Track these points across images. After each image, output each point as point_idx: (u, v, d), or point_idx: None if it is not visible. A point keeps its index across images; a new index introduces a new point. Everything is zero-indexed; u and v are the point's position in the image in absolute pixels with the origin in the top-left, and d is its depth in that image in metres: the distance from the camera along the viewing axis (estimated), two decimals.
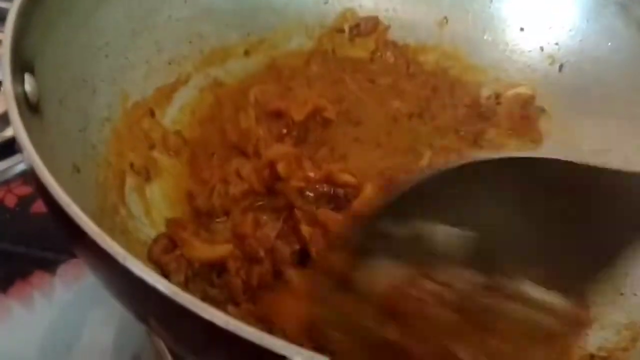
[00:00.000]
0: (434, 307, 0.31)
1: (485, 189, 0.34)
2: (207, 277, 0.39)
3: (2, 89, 0.32)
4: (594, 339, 0.38)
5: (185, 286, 0.39)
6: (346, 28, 0.56)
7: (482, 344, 0.31)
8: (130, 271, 0.25)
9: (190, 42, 0.50)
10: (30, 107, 0.33)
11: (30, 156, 0.28)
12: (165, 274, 0.38)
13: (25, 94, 0.33)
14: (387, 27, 0.56)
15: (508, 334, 0.31)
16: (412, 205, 0.34)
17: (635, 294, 0.41)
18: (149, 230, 0.40)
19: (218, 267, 0.40)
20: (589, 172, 0.33)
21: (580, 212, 0.33)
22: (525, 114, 0.52)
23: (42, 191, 0.28)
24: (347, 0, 0.56)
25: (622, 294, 0.41)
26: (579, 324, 0.34)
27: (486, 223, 0.33)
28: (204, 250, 0.39)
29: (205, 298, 0.38)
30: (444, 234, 0.33)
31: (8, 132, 0.55)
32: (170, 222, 0.41)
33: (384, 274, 0.32)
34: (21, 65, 0.33)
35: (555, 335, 0.33)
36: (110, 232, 0.36)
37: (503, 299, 0.32)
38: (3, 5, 0.64)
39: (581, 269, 0.33)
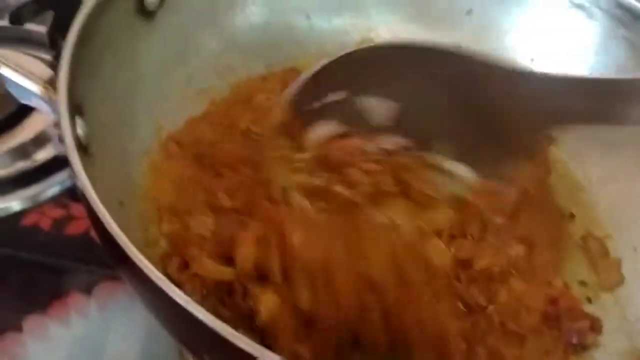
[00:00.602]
0: (362, 159, 0.38)
1: (408, 69, 0.40)
2: (219, 296, 0.40)
3: (59, 135, 0.34)
4: None
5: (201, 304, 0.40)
6: None
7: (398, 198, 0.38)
8: (192, 315, 0.27)
9: (218, 73, 0.53)
10: (82, 150, 0.35)
11: (93, 203, 0.30)
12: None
13: (78, 138, 0.35)
14: None
15: (420, 194, 0.38)
16: (344, 74, 0.40)
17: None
18: None
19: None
20: (497, 69, 0.39)
21: (488, 103, 0.39)
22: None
23: (99, 228, 0.31)
24: (365, 31, 0.59)
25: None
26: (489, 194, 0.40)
27: (407, 97, 0.39)
28: (214, 269, 0.40)
29: (217, 317, 0.40)
30: (370, 101, 0.39)
31: (39, 156, 0.57)
32: (178, 237, 0.41)
33: (321, 132, 0.39)
34: (73, 109, 0.36)
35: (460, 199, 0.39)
36: (156, 264, 0.39)
37: (420, 163, 0.39)
38: (33, 28, 0.65)
39: (491, 151, 0.39)
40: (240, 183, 0.43)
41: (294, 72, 0.56)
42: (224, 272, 0.39)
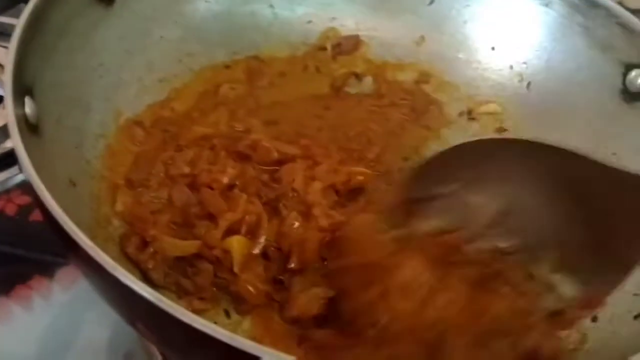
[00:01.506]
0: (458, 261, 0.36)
1: (514, 167, 0.38)
2: (181, 270, 0.41)
3: (4, 111, 0.35)
4: None
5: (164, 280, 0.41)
6: (328, 46, 0.59)
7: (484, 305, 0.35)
8: (118, 280, 0.28)
9: (180, 60, 0.53)
10: (30, 128, 0.36)
11: (30, 175, 0.31)
12: (144, 271, 0.41)
13: (25, 116, 0.36)
14: (367, 45, 0.59)
15: (510, 303, 0.35)
16: (449, 169, 0.39)
17: None
18: None
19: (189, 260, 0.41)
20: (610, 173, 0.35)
21: (599, 210, 0.35)
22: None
23: (41, 207, 0.32)
24: (329, 20, 0.59)
25: None
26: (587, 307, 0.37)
27: (515, 196, 0.37)
28: (174, 246, 0.41)
29: (179, 290, 0.41)
30: (478, 198, 0.37)
31: (8, 144, 0.57)
32: (135, 217, 0.42)
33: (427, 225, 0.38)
34: (22, 89, 0.37)
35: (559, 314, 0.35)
36: (105, 242, 0.40)
37: (519, 271, 0.36)
38: (5, 20, 0.67)
39: (597, 261, 0.35)
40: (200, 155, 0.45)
41: (257, 60, 0.57)
42: (187, 247, 0.40)
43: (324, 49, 0.59)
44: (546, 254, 0.36)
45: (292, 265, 0.41)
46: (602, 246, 0.35)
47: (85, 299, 0.51)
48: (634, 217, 0.34)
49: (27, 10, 0.39)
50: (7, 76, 0.35)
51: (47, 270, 0.52)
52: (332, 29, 0.59)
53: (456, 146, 0.41)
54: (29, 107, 0.37)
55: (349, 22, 0.60)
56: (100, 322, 0.50)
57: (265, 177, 0.45)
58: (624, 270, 0.35)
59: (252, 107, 0.54)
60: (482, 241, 0.37)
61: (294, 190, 0.43)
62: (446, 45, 0.58)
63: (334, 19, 0.59)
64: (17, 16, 0.64)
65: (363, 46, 0.59)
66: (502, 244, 0.37)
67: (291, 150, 0.46)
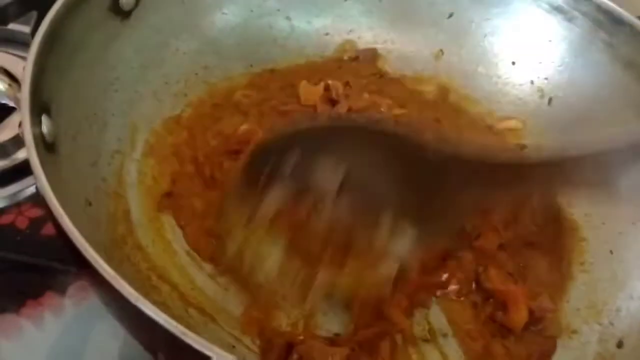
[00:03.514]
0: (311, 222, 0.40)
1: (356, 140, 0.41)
2: None
3: (21, 131, 0.34)
4: None
5: None
6: (346, 59, 0.58)
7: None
8: (142, 311, 0.27)
9: (196, 74, 0.52)
10: (47, 147, 0.35)
11: (49, 199, 0.30)
12: None
13: (42, 135, 0.35)
14: (385, 59, 0.58)
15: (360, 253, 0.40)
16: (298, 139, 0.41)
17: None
18: (155, 260, 0.42)
19: None
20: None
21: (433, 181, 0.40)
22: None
23: (60, 231, 0.31)
24: (346, 32, 0.59)
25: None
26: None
27: (355, 163, 0.40)
28: (323, 354, 0.39)
29: None
30: (322, 163, 0.40)
31: (19, 155, 0.57)
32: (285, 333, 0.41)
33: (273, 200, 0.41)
34: (39, 107, 0.36)
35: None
36: (120, 263, 0.39)
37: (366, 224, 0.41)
38: (16, 28, 0.66)
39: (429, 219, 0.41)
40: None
41: (275, 73, 0.56)
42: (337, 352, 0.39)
43: (340, 61, 0.58)
44: (388, 207, 0.41)
45: None
46: (434, 206, 0.40)
47: (95, 311, 0.50)
48: (462, 190, 0.40)
49: (44, 25, 0.38)
50: (25, 94, 0.35)
51: (59, 285, 0.51)
52: (349, 41, 0.59)
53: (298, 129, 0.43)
54: (45, 126, 0.36)
55: (366, 35, 0.59)
56: (109, 334, 0.49)
57: None
58: (452, 226, 0.43)
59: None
60: (328, 208, 0.40)
61: None
62: (465, 59, 0.57)
63: (351, 31, 0.59)
64: (27, 23, 0.65)
65: (381, 59, 0.58)
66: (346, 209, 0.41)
67: None
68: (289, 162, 0.40)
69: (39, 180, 0.31)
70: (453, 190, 0.40)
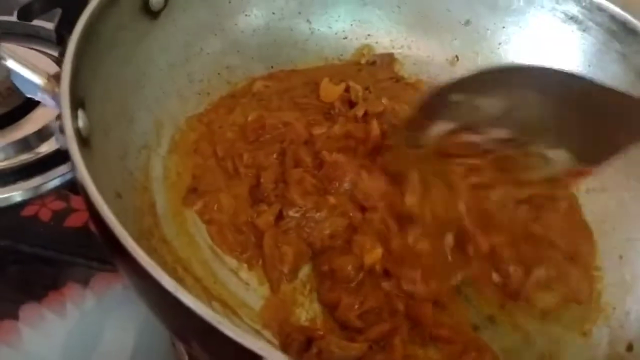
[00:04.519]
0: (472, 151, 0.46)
1: (519, 83, 0.44)
2: None
3: (60, 126, 0.35)
4: None
5: None
6: (363, 62, 0.59)
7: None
8: (179, 300, 0.28)
9: (218, 74, 0.54)
10: (83, 142, 0.37)
11: (90, 192, 0.32)
12: None
13: (79, 130, 0.36)
14: (401, 64, 0.60)
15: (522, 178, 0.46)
16: (467, 85, 0.44)
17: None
18: (180, 253, 0.43)
19: None
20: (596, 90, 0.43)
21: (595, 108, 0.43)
22: None
23: (99, 223, 0.32)
24: (364, 37, 0.60)
25: None
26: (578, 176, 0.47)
27: (515, 100, 0.44)
28: (342, 349, 0.40)
29: None
30: (484, 101, 0.44)
31: (42, 149, 0.58)
32: (304, 328, 0.42)
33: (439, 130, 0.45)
34: (76, 102, 0.37)
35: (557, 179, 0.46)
36: (149, 254, 0.40)
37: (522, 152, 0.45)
38: (40, 24, 0.67)
39: (588, 143, 0.44)
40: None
41: (295, 73, 0.57)
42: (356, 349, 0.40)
43: (359, 65, 0.59)
44: (544, 137, 0.45)
45: None
46: (594, 132, 0.43)
47: (115, 300, 0.51)
48: (624, 117, 0.43)
49: (81, 22, 0.40)
50: (64, 88, 0.36)
51: (80, 276, 0.52)
52: (367, 45, 0.60)
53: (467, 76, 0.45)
54: (81, 121, 0.37)
55: (384, 40, 0.60)
56: (127, 324, 0.51)
57: None
58: (611, 151, 0.45)
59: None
60: (488, 134, 0.45)
61: None
62: (480, 66, 0.58)
63: (369, 36, 0.60)
64: (51, 20, 0.66)
65: (397, 64, 0.60)
66: (504, 135, 0.45)
67: None
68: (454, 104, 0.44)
69: (79, 172, 0.33)
70: (610, 125, 0.43)
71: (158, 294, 0.29)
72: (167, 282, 0.29)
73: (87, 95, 0.39)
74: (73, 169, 0.34)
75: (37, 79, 0.40)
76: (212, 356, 0.31)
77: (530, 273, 0.43)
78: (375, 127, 0.51)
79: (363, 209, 0.46)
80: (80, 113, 0.37)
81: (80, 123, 0.37)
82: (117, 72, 0.44)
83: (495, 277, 0.44)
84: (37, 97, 0.43)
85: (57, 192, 0.56)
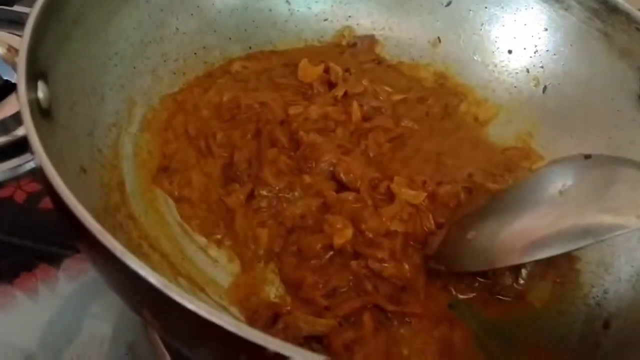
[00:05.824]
0: None
1: None
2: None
3: (16, 94, 0.35)
4: None
5: None
6: (344, 44, 0.59)
7: None
8: (126, 265, 0.28)
9: (194, 54, 0.53)
10: (42, 112, 0.36)
11: (40, 158, 0.31)
12: None
13: (37, 100, 0.36)
14: (383, 45, 0.59)
15: None
16: None
17: None
18: (147, 229, 0.43)
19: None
20: None
21: None
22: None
23: (50, 191, 0.31)
24: (345, 19, 0.59)
25: None
26: None
27: None
28: (309, 324, 0.39)
29: None
30: None
31: (19, 132, 0.57)
32: (272, 304, 0.41)
33: None
34: (35, 73, 0.36)
35: None
36: (113, 229, 0.39)
37: None
38: (21, 9, 0.67)
39: None
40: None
41: (275, 54, 0.57)
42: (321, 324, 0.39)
43: (340, 47, 0.58)
44: None
45: None
46: None
47: (91, 289, 0.51)
48: None
49: None
50: (21, 58, 0.35)
51: (53, 259, 0.51)
52: (348, 27, 0.59)
53: None
54: (41, 92, 0.36)
55: (365, 22, 0.59)
56: (104, 313, 0.50)
57: None
58: None
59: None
60: None
61: None
62: (462, 47, 0.58)
63: (350, 17, 0.59)
64: (31, 5, 0.66)
65: (378, 46, 0.59)
66: None
67: None
68: None
69: (33, 141, 0.32)
70: None
71: (106, 258, 0.29)
72: (115, 248, 0.28)
73: (50, 69, 0.38)
74: (27, 138, 0.33)
75: None
76: (163, 324, 0.31)
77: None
78: (356, 109, 0.50)
79: (339, 189, 0.46)
80: (40, 84, 0.37)
81: (40, 94, 0.36)
82: (87, 48, 0.44)
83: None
84: (6, 74, 0.42)
85: (32, 174, 0.56)
